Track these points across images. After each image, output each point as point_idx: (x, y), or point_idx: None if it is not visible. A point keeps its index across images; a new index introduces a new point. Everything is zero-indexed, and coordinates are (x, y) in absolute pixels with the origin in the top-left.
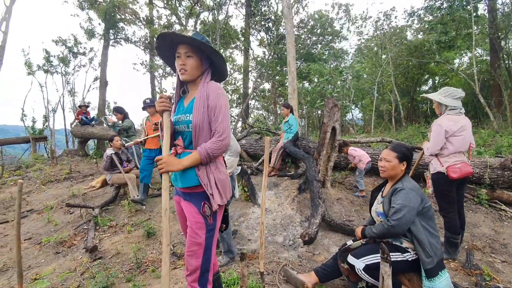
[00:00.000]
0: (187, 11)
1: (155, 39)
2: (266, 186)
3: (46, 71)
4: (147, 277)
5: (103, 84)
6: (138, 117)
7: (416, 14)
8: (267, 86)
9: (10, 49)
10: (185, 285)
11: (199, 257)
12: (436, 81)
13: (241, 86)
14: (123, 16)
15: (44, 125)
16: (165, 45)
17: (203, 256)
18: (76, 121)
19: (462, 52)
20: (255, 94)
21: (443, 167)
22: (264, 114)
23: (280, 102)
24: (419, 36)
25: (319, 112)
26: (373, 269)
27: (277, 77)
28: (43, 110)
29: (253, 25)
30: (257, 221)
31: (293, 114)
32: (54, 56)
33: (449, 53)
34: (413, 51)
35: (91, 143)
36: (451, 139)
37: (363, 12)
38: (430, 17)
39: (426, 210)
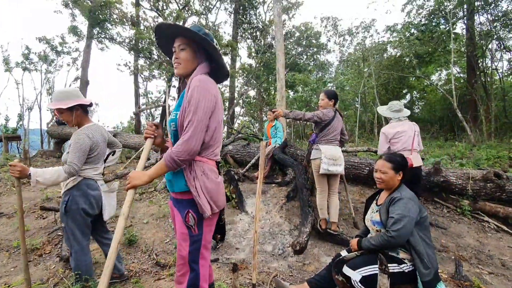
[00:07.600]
0: (174, 15)
1: (154, 33)
2: (255, 193)
3: (25, 69)
4: None
5: (84, 84)
6: (122, 118)
7: (395, 29)
8: (252, 93)
9: None
10: None
11: (185, 274)
12: (414, 96)
13: (226, 91)
14: (108, 16)
15: (18, 124)
16: (165, 40)
17: (189, 273)
18: (54, 119)
19: (439, 68)
20: (241, 101)
21: None
22: (250, 121)
23: (266, 110)
24: (397, 50)
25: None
26: (370, 281)
27: (264, 85)
28: (18, 108)
29: (241, 33)
30: (244, 229)
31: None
32: (35, 53)
33: (428, 68)
34: (393, 65)
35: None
36: (392, 141)
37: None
38: (408, 34)
39: (423, 220)
